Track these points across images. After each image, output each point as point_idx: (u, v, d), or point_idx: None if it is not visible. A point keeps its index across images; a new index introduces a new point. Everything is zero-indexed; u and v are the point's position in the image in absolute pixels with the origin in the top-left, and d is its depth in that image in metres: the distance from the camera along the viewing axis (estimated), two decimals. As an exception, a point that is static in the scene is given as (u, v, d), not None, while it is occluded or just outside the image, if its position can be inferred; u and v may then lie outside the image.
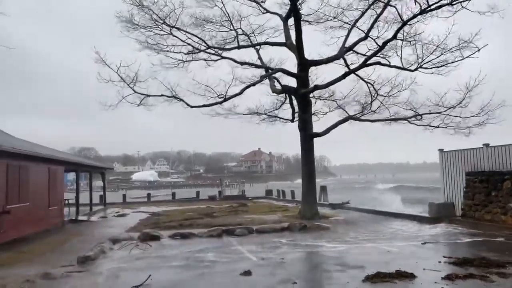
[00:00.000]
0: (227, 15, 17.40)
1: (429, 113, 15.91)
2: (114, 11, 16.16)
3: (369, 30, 15.69)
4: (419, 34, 15.14)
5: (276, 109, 19.50)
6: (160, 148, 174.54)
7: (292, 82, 17.70)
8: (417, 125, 16.45)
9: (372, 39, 15.91)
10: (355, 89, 18.13)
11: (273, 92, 18.52)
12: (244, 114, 19.07)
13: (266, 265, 7.91)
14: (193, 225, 14.21)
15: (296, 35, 15.97)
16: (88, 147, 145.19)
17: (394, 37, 14.73)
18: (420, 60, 15.37)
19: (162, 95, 17.08)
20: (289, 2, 16.03)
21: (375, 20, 15.37)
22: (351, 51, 17.15)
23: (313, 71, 18.28)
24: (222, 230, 12.46)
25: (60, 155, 17.32)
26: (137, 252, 9.73)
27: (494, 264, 7.23)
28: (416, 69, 15.64)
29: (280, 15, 18.02)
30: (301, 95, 16.98)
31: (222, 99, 17.30)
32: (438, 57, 15.08)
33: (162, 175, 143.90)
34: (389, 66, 16.33)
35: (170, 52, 17.38)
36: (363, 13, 16.19)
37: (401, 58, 15.67)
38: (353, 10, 16.65)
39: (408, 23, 14.39)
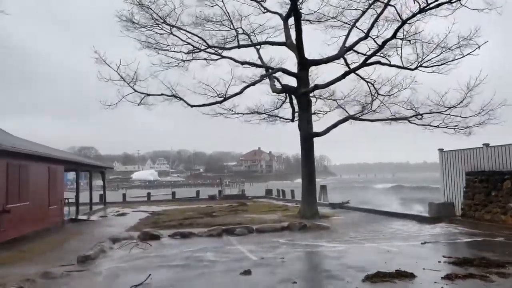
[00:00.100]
0: (227, 14, 17.44)
1: (430, 113, 15.90)
2: (114, 10, 16.21)
3: (370, 29, 15.69)
4: (419, 33, 15.16)
5: (277, 109, 19.52)
6: (160, 148, 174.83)
7: (293, 82, 17.73)
8: (417, 124, 16.46)
9: (372, 38, 15.93)
10: (356, 89, 18.19)
11: (273, 91, 18.53)
12: (244, 114, 19.11)
13: (266, 265, 7.91)
14: (193, 225, 14.22)
15: (296, 35, 15.97)
16: (88, 147, 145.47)
17: (394, 36, 14.73)
18: (420, 59, 15.39)
19: (162, 94, 17.09)
20: (289, 2, 16.03)
21: (376, 20, 15.37)
22: (352, 51, 17.16)
23: (313, 70, 18.32)
24: (222, 230, 12.47)
25: (60, 154, 17.31)
26: (137, 252, 9.73)
27: (494, 264, 7.22)
28: (416, 68, 15.64)
29: (280, 15, 18.03)
30: (301, 95, 16.98)
31: (222, 98, 17.31)
32: (438, 55, 15.10)
33: (162, 174, 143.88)
34: (389, 65, 16.33)
35: (170, 51, 17.42)
36: (363, 13, 16.20)
37: (401, 57, 15.70)
38: (353, 9, 16.67)
39: (408, 22, 14.38)
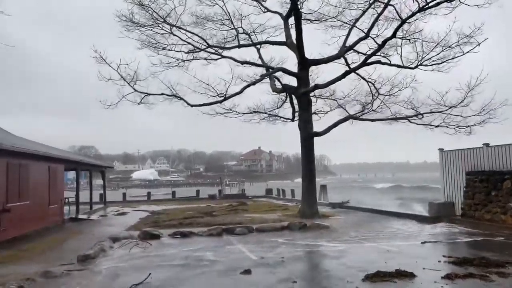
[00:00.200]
0: (227, 14, 17.44)
1: (430, 112, 15.91)
2: (114, 10, 16.17)
3: (370, 29, 15.68)
4: (418, 32, 15.17)
5: (277, 108, 19.54)
6: (160, 147, 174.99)
7: (293, 81, 17.74)
8: (417, 124, 16.47)
9: (372, 38, 15.91)
10: (356, 89, 18.19)
11: (273, 91, 18.54)
12: (244, 113, 19.11)
13: (266, 264, 7.91)
14: (193, 224, 14.22)
15: (297, 34, 15.96)
16: (88, 146, 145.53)
17: (394, 35, 14.72)
18: (420, 57, 15.38)
19: (162, 94, 17.09)
20: (290, 1, 16.03)
21: (376, 19, 15.36)
22: (352, 50, 17.16)
23: (313, 70, 18.33)
24: (222, 229, 12.47)
25: (60, 153, 17.32)
26: (137, 251, 9.74)
27: (493, 263, 7.22)
28: (416, 67, 15.64)
29: (280, 14, 18.03)
30: (301, 94, 16.98)
31: (222, 98, 17.31)
32: (438, 54, 15.09)
33: (162, 173, 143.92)
34: (389, 64, 16.33)
35: (171, 51, 17.42)
36: (363, 12, 16.20)
37: (401, 56, 15.70)
38: (353, 9, 16.67)
39: (407, 21, 14.37)
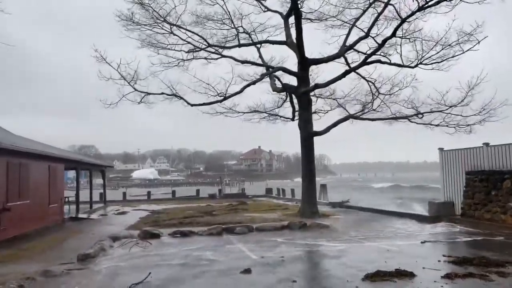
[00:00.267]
0: (228, 13, 17.43)
1: (430, 112, 15.91)
2: (115, 10, 16.16)
3: (370, 28, 15.68)
4: (418, 31, 15.17)
5: (278, 107, 19.57)
6: (160, 146, 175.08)
7: (293, 81, 17.74)
8: (417, 123, 16.48)
9: (372, 37, 15.91)
10: (356, 88, 18.21)
11: (273, 90, 18.54)
12: (244, 113, 19.12)
13: (266, 264, 7.91)
14: (193, 223, 14.22)
15: (297, 34, 15.96)
16: (88, 145, 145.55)
17: (393, 34, 14.71)
18: (420, 56, 15.38)
19: (162, 93, 17.08)
20: (290, 1, 16.02)
21: (376, 19, 15.36)
22: (352, 50, 17.16)
23: (314, 70, 18.35)
24: (222, 229, 12.47)
25: (60, 152, 17.32)
26: (137, 250, 9.74)
27: (493, 263, 7.23)
28: (416, 66, 15.63)
29: (281, 13, 18.02)
30: (301, 94, 16.98)
31: (223, 97, 17.30)
32: (438, 52, 15.09)
33: (162, 173, 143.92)
34: (389, 63, 16.33)
35: (171, 50, 17.41)
36: (364, 12, 16.19)
37: (401, 56, 15.69)
38: (353, 8, 16.66)
39: (407, 20, 14.37)
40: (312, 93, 17.90)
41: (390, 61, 16.31)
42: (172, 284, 6.66)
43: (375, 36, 15.86)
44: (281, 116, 19.89)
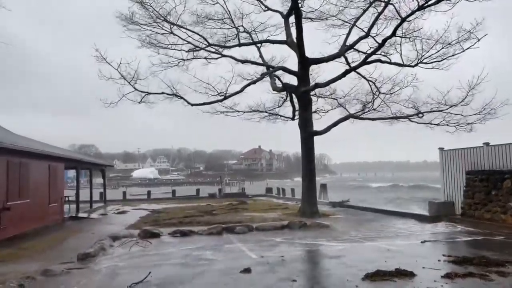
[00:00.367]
0: (228, 12, 17.43)
1: (431, 111, 15.91)
2: (115, 10, 16.17)
3: (370, 28, 15.67)
4: (418, 30, 15.15)
5: (278, 107, 19.57)
6: (160, 146, 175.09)
7: (293, 80, 17.72)
8: (418, 123, 16.49)
9: (372, 37, 15.90)
10: (356, 87, 18.21)
11: (273, 90, 18.53)
12: (245, 112, 19.12)
13: (266, 263, 7.91)
14: (193, 223, 14.23)
15: (297, 33, 15.95)
16: (89, 144, 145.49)
17: (393, 34, 14.70)
18: (420, 55, 15.37)
19: (162, 93, 17.06)
20: (290, 0, 16.00)
21: (376, 18, 15.35)
22: (352, 49, 17.15)
23: (314, 69, 18.36)
24: (222, 228, 12.47)
25: (61, 152, 17.32)
26: (137, 250, 9.74)
27: (493, 263, 7.23)
28: (416, 65, 15.62)
29: (281, 13, 18.01)
30: (301, 93, 16.97)
31: (223, 97, 17.29)
32: (438, 51, 15.08)
33: (162, 172, 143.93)
34: (389, 63, 16.33)
35: (171, 49, 17.40)
36: (364, 11, 16.18)
37: (401, 55, 15.69)
38: (353, 8, 16.65)
39: (407, 19, 14.36)
40: (312, 93, 17.90)
41: (390, 60, 16.33)
42: (172, 283, 6.66)
43: (375, 36, 15.88)
44: (281, 116, 19.91)
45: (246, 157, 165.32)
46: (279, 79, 18.46)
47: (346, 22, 17.17)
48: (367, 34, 15.88)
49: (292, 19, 17.02)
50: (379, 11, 15.16)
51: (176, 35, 17.14)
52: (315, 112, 18.67)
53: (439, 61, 15.23)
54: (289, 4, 16.59)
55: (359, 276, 6.63)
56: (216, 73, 18.06)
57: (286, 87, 17.97)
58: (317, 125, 17.56)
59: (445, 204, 14.96)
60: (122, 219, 16.87)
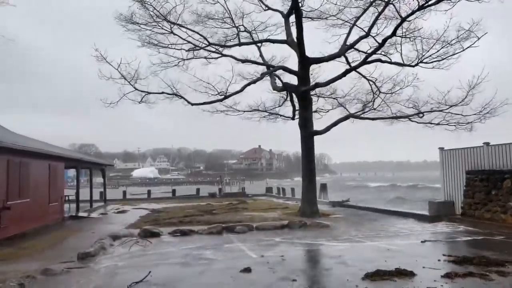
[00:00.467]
0: (228, 12, 17.42)
1: (431, 111, 15.91)
2: (115, 10, 16.16)
3: (371, 27, 15.65)
4: (418, 30, 15.13)
5: (279, 106, 19.56)
6: (160, 145, 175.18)
7: (294, 80, 17.71)
8: (418, 122, 16.48)
9: (372, 37, 15.88)
10: (357, 87, 18.20)
11: (273, 89, 18.52)
12: (245, 111, 19.12)
13: (266, 263, 7.90)
14: (193, 222, 14.23)
15: (297, 32, 15.92)
16: (89, 144, 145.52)
17: (394, 34, 14.69)
18: (420, 55, 15.35)
19: (163, 93, 17.05)
20: (290, -1, 16.00)
21: (377, 18, 15.33)
22: (353, 49, 17.12)
23: (315, 69, 18.34)
24: (222, 227, 12.47)
25: (61, 151, 17.32)
26: (137, 249, 9.74)
27: (493, 262, 7.23)
28: (416, 65, 15.60)
29: (281, 12, 17.99)
30: (301, 93, 16.96)
31: (223, 96, 17.29)
32: (438, 51, 15.06)
33: (162, 172, 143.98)
34: (390, 62, 16.31)
35: (171, 49, 17.39)
36: (364, 11, 16.15)
37: (401, 55, 15.68)
38: (354, 7, 16.63)
39: (407, 19, 14.35)
40: (312, 92, 17.89)
41: (391, 60, 16.31)
42: (172, 283, 6.66)
43: (375, 35, 15.85)
44: (281, 115, 19.91)
45: (246, 157, 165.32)
46: (279, 78, 18.45)
47: (346, 21, 17.16)
48: (367, 34, 15.86)
49: (292, 18, 17.01)
50: (379, 10, 15.14)
51: (176, 34, 17.14)
52: (315, 111, 18.67)
53: (439, 61, 15.23)
54: (290, 4, 16.56)
55: (359, 275, 6.63)
56: (216, 73, 18.09)
57: (286, 87, 17.96)
58: (317, 125, 17.59)
59: (445, 204, 14.96)
60: (122, 219, 16.88)
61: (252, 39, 18.39)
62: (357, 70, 17.03)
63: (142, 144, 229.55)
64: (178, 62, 17.56)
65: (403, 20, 14.24)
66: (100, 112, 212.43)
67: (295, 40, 16.68)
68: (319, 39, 19.32)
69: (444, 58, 15.06)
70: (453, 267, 7.17)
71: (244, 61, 18.00)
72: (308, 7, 17.42)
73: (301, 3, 16.39)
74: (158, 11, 16.20)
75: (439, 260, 7.74)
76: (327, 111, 19.32)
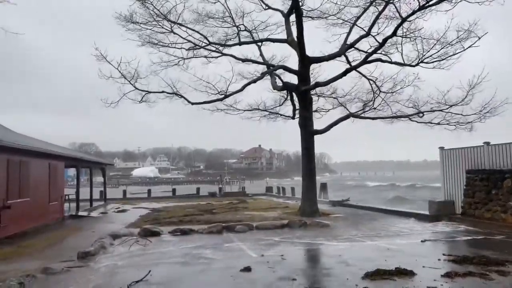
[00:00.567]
0: (229, 11, 17.41)
1: (431, 111, 15.89)
2: (115, 10, 16.12)
3: (371, 27, 15.64)
4: (418, 30, 15.11)
5: (279, 105, 19.56)
6: (160, 145, 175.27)
7: (294, 79, 17.70)
8: (418, 122, 16.46)
9: (373, 36, 15.87)
10: (357, 86, 18.18)
11: (274, 88, 18.51)
12: (245, 110, 19.13)
13: (266, 262, 7.91)
14: (193, 221, 14.24)
15: (298, 32, 15.90)
16: (89, 143, 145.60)
17: (394, 34, 14.68)
18: (420, 55, 15.33)
19: (163, 92, 17.05)
20: (291, -2, 15.98)
21: (377, 17, 15.32)
22: (353, 48, 17.11)
23: (315, 68, 18.32)
24: (222, 227, 12.48)
25: (61, 150, 17.32)
26: (137, 248, 9.74)
27: (493, 262, 7.23)
28: (417, 65, 15.58)
29: (281, 12, 17.97)
30: (302, 92, 16.95)
31: (223, 95, 17.29)
32: (438, 51, 15.04)
33: (163, 171, 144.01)
34: (390, 62, 16.29)
35: (171, 48, 17.39)
36: (365, 10, 16.14)
37: (402, 54, 15.65)
38: (354, 7, 16.61)
39: (408, 19, 14.33)
40: (313, 92, 17.88)
41: (391, 60, 16.28)
42: (172, 282, 6.66)
43: (376, 35, 15.84)
44: (281, 115, 19.91)
45: (246, 156, 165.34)
46: (279, 78, 18.44)
47: (347, 21, 17.15)
48: (368, 33, 15.85)
49: (292, 17, 16.98)
50: (380, 10, 15.13)
51: (177, 33, 17.13)
52: (316, 111, 18.67)
53: (439, 61, 15.22)
54: (290, 3, 16.55)
55: (359, 275, 6.63)
56: (217, 72, 18.03)
57: (286, 86, 17.96)
58: (318, 124, 17.58)
59: (445, 203, 14.95)
60: (122, 218, 16.88)
61: (253, 38, 18.39)
62: (358, 69, 17.02)
63: (142, 143, 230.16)
64: (178, 61, 17.57)
65: (404, 20, 14.22)
66: (100, 111, 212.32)
67: (296, 39, 16.66)
68: (319, 38, 19.39)
69: (445, 58, 15.06)
70: (453, 266, 7.17)
71: (244, 60, 17.99)
72: (308, 7, 17.44)
73: (301, 3, 16.38)
74: (158, 10, 16.20)
75: (439, 260, 7.74)
76: (328, 111, 19.33)
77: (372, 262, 7.49)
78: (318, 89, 18.23)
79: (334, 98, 18.88)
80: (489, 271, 6.65)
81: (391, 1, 14.39)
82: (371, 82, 17.60)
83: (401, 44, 15.49)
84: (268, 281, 6.53)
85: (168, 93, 17.03)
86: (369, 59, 16.13)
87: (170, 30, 16.92)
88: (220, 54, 18.17)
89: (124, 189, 37.79)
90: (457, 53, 14.71)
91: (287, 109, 19.61)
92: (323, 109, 19.36)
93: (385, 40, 15.01)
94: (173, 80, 17.10)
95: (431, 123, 16.15)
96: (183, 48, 17.50)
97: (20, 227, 12.08)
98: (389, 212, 16.77)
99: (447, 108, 15.50)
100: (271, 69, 17.90)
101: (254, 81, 17.11)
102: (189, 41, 17.42)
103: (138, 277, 6.68)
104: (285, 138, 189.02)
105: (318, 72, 19.06)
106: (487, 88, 14.41)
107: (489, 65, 14.63)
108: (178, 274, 7.21)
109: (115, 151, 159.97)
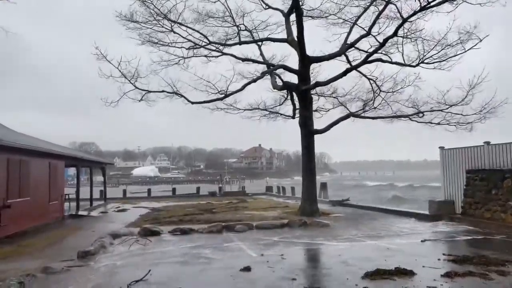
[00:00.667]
0: (229, 10, 17.40)
1: (431, 111, 15.88)
2: (115, 9, 16.14)
3: (371, 27, 15.62)
4: (419, 31, 15.10)
5: (280, 105, 19.54)
6: (160, 144, 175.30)
7: (294, 79, 17.69)
8: (418, 122, 16.45)
9: (373, 36, 15.86)
10: (358, 86, 18.15)
11: (274, 88, 18.51)
12: (245, 110, 19.11)
13: (265, 262, 7.91)
14: (193, 221, 14.24)
15: (298, 31, 15.89)
16: (89, 142, 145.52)
17: (395, 34, 14.65)
18: (421, 56, 15.30)
19: (163, 91, 17.03)
20: (291, -2, 15.96)
21: (377, 17, 15.30)
22: (353, 48, 17.09)
23: (315, 68, 18.30)
24: (222, 226, 12.48)
25: (61, 150, 17.33)
26: (137, 248, 9.75)
27: (493, 262, 7.23)
28: (417, 65, 15.56)
29: (282, 11, 17.95)
30: (302, 92, 16.94)
31: (223, 95, 17.28)
32: (438, 52, 15.03)
33: (163, 170, 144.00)
34: (391, 62, 16.27)
35: (171, 47, 17.38)
36: (365, 10, 16.13)
37: (402, 55, 15.63)
38: (354, 6, 16.60)
39: (408, 20, 14.31)
40: (313, 91, 17.87)
41: (391, 60, 16.26)
42: (171, 281, 6.66)
43: (376, 35, 15.82)
44: (281, 114, 19.89)
45: (246, 156, 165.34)
46: (279, 77, 18.43)
47: (347, 20, 17.13)
48: (368, 33, 15.82)
49: (293, 17, 16.96)
50: (380, 10, 15.11)
51: (177, 33, 17.11)
52: (316, 110, 18.65)
53: (440, 62, 15.20)
54: (290, 3, 16.54)
55: (359, 274, 6.63)
56: (217, 71, 18.02)
57: (286, 86, 17.95)
58: (318, 124, 17.55)
59: (445, 203, 14.96)
60: (122, 217, 16.89)
61: (253, 38, 18.38)
62: (358, 69, 17.00)
63: (143, 142, 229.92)
64: (179, 61, 17.56)
65: (404, 20, 14.21)
66: (100, 111, 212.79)
67: (296, 39, 16.65)
68: (319, 38, 19.34)
69: (445, 59, 15.05)
70: (453, 266, 7.17)
71: (244, 59, 17.98)
72: (309, 6, 17.44)
73: (302, 2, 16.36)
74: (158, 9, 16.19)
75: (439, 260, 7.74)
76: (328, 110, 19.31)
77: (372, 262, 7.50)
78: (318, 89, 18.22)
79: (334, 97, 18.88)
80: (489, 271, 6.65)
81: (391, 1, 14.38)
82: (372, 81, 17.58)
83: (402, 44, 15.49)
84: (268, 281, 6.54)
85: (168, 92, 17.03)
86: (370, 59, 16.11)
87: (170, 29, 16.92)
88: (220, 54, 18.16)
89: (124, 189, 37.82)
90: (458, 54, 14.71)
91: (287, 108, 19.63)
92: (323, 108, 19.37)
93: (385, 40, 15.00)
94: (173, 79, 17.12)
95: (431, 123, 16.14)
96: (183, 47, 17.51)
97: (20, 226, 12.08)
98: (389, 212, 16.78)
99: (447, 108, 15.50)
100: (271, 69, 17.89)
101: (254, 81, 17.11)
102: (189, 40, 17.42)
103: (138, 277, 6.69)
104: (285, 137, 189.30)
105: (318, 72, 19.08)
106: (487, 88, 14.43)
107: (489, 66, 14.62)
108: (178, 273, 7.21)
109: (115, 151, 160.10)
